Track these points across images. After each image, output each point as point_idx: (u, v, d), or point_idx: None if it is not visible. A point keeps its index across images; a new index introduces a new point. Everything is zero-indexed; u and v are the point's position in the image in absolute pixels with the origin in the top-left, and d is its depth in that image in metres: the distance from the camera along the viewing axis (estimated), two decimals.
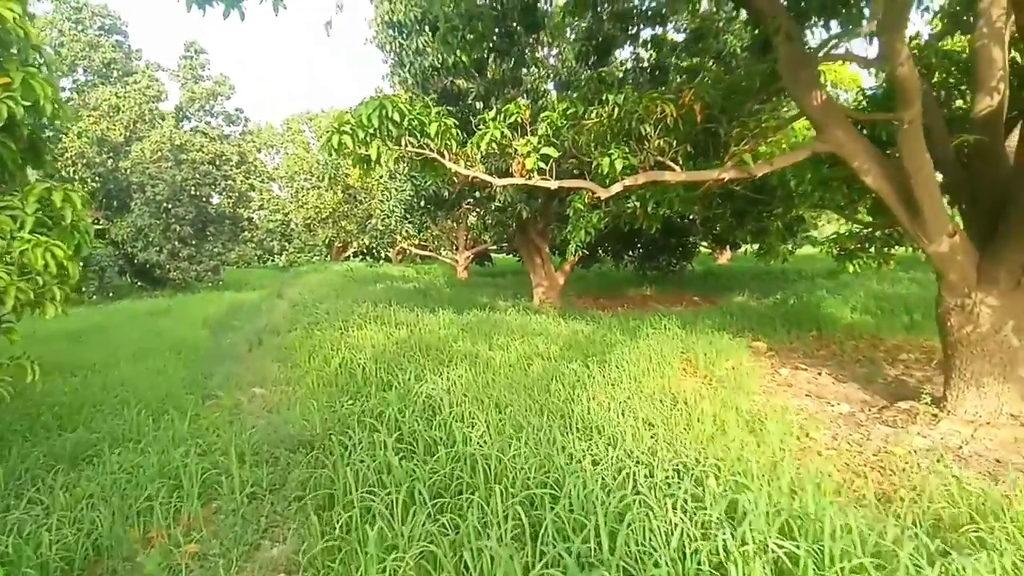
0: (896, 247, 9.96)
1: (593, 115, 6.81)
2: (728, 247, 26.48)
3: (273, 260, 50.91)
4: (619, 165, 6.40)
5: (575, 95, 7.49)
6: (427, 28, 12.70)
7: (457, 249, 30.86)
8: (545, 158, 6.49)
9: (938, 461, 5.46)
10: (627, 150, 6.53)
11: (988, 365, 6.17)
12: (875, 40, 6.00)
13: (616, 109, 6.62)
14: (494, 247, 28.89)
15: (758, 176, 6.46)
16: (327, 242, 46.25)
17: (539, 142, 6.40)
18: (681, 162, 7.01)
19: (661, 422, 6.14)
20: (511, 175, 6.83)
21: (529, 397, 6.77)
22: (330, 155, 6.27)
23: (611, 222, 9.25)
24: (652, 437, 5.59)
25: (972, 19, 6.04)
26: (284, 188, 50.04)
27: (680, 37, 12.79)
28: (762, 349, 10.57)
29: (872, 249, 9.81)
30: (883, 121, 6.38)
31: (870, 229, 9.63)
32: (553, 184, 6.47)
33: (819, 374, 9.02)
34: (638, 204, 8.34)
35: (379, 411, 6.34)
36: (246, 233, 38.18)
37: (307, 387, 8.42)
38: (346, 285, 23.58)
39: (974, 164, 6.27)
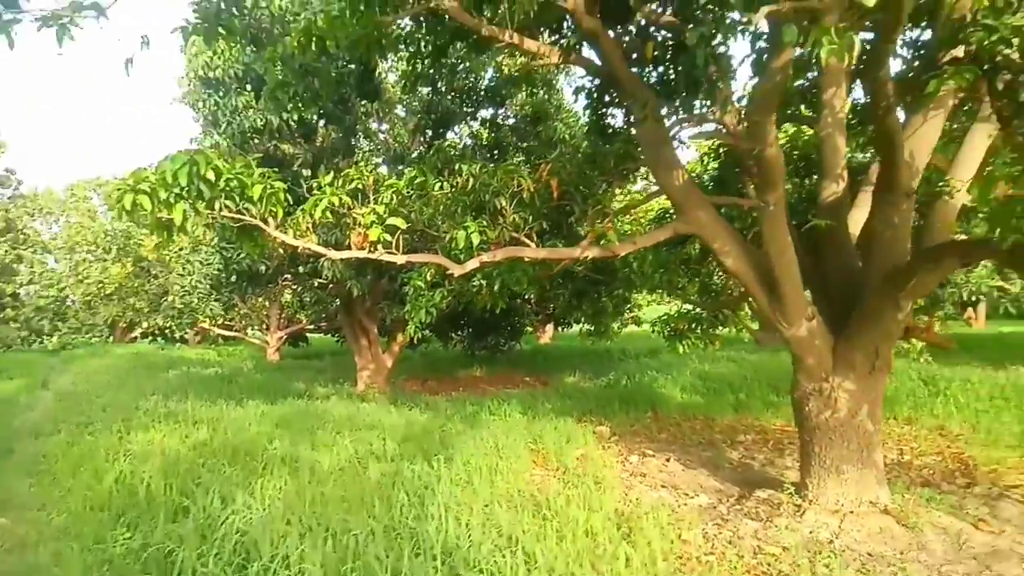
0: (721, 328, 10.20)
1: (445, 185, 6.07)
2: (554, 326, 26.86)
3: (42, 342, 43.76)
4: (476, 239, 5.68)
5: (423, 164, 6.75)
6: (249, 87, 11.48)
7: (268, 329, 28.35)
8: (391, 229, 5.59)
9: (818, 561, 5.13)
10: (484, 224, 5.84)
11: (847, 451, 6.07)
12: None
13: (471, 180, 5.96)
14: (312, 326, 26.90)
15: (620, 255, 6.05)
16: (110, 322, 40.67)
17: (385, 212, 5.50)
18: (536, 238, 6.47)
19: (528, 535, 5.26)
20: (348, 247, 5.82)
21: (370, 515, 5.59)
22: (120, 219, 4.91)
23: (454, 301, 8.47)
24: (527, 568, 4.66)
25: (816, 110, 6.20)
26: (61, 260, 43.80)
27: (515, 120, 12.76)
28: (606, 434, 10.19)
29: (699, 330, 9.92)
30: (731, 204, 6.30)
31: (699, 310, 9.81)
32: (401, 258, 5.57)
33: (667, 460, 8.72)
34: (484, 282, 7.68)
35: (168, 551, 4.82)
36: (8, 311, 32.37)
37: (68, 513, 6.47)
38: (131, 372, 20.37)
39: (822, 248, 6.34)
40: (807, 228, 5.96)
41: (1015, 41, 3.95)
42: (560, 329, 30.65)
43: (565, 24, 7.17)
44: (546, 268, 7.15)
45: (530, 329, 30.07)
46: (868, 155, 8.29)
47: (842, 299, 6.12)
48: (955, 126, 6.32)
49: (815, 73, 7.36)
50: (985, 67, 4.05)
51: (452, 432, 9.38)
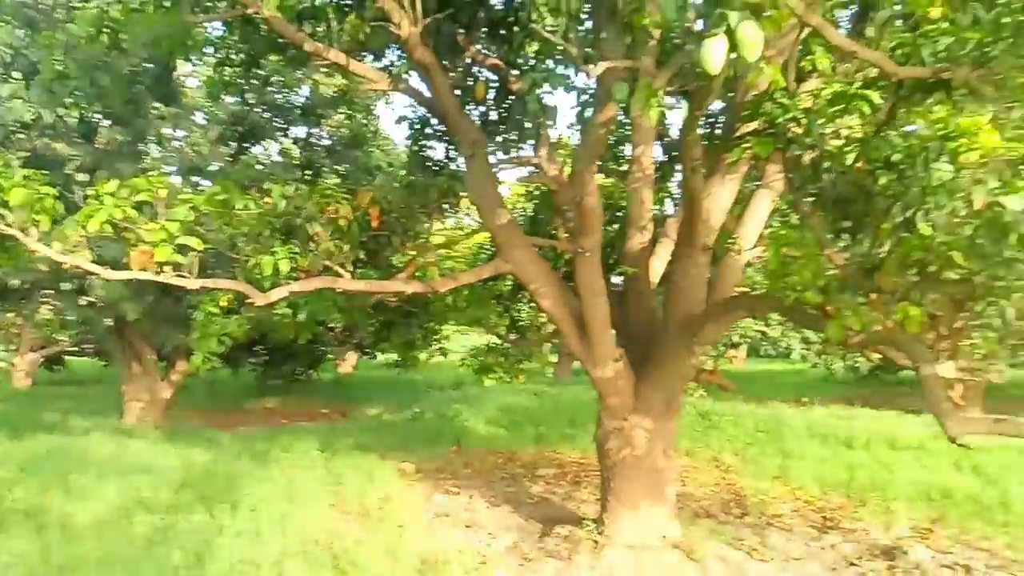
0: (527, 362, 10.46)
1: (251, 205, 5.52)
2: (359, 354, 25.91)
3: None
4: (285, 267, 5.21)
5: (227, 180, 6.11)
6: (17, 74, 9.75)
7: (17, 350, 24.26)
8: (184, 249, 4.94)
9: None
10: (295, 249, 5.38)
11: (643, 488, 6.36)
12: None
13: (283, 202, 5.48)
14: (75, 348, 23.46)
15: (441, 291, 5.90)
16: None
17: (178, 230, 4.85)
18: (351, 268, 6.11)
19: None
20: (128, 266, 5.05)
21: None
22: None
23: (253, 330, 7.73)
24: None
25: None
26: None
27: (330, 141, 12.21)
28: (410, 471, 9.88)
29: (506, 364, 10.07)
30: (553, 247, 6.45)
31: (507, 345, 9.97)
32: (194, 283, 4.93)
33: (471, 497, 8.64)
34: (290, 311, 7.11)
35: None
36: None
37: None
38: None
39: (627, 294, 6.68)
40: (618, 274, 6.24)
41: (803, 120, 4.44)
42: (363, 358, 29.73)
43: (391, 50, 6.98)
44: (358, 298, 6.79)
45: (331, 357, 28.81)
46: (665, 209, 9.00)
47: (643, 342, 6.46)
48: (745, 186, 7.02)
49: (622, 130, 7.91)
50: (780, 141, 4.49)
51: (239, 474, 8.52)
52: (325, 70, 7.37)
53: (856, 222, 4.46)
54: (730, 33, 2.33)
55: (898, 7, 3.37)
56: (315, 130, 12.71)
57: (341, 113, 12.95)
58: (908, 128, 4.99)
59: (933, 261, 3.61)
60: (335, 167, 11.82)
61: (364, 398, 19.04)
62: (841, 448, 9.98)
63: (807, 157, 4.68)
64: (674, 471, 6.73)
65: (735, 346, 22.44)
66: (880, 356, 8.07)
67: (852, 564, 6.01)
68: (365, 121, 13.50)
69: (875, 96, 4.19)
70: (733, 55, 2.39)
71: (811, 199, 4.67)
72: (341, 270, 5.85)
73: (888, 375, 18.02)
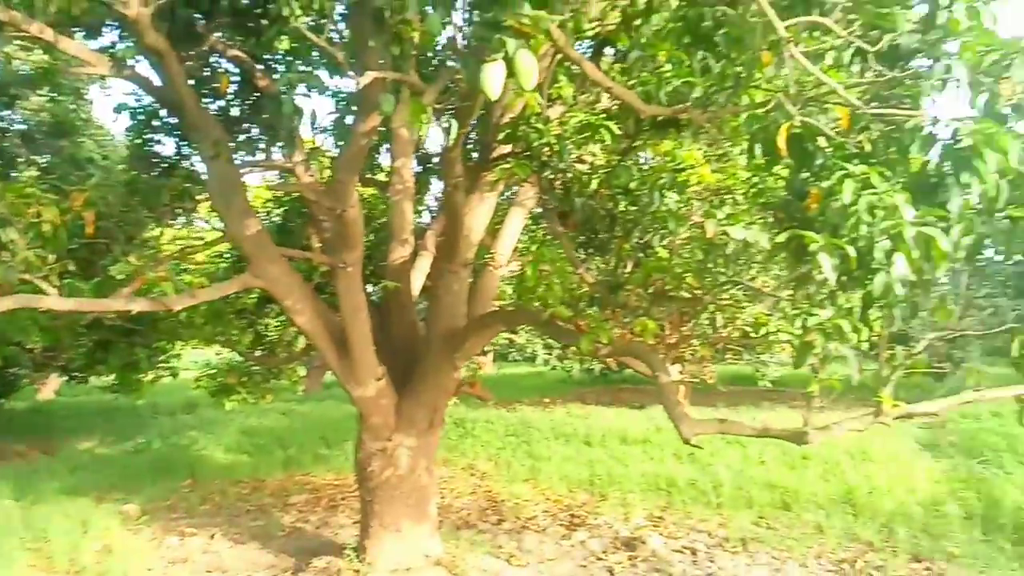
0: (275, 380, 9.80)
1: None
2: (64, 378, 22.06)
3: None
4: None
5: None
6: None
7: None
8: None
9: None
10: None
11: (406, 508, 6.24)
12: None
13: None
14: None
15: (176, 309, 5.19)
16: None
17: None
18: (59, 281, 5.12)
19: None
20: None
21: None
22: None
23: None
24: None
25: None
26: None
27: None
28: (135, 514, 8.61)
29: (251, 384, 9.38)
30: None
31: (252, 363, 9.23)
32: None
33: (212, 537, 7.78)
34: None
35: None
36: None
37: None
38: None
39: (388, 309, 6.52)
40: (377, 288, 6.05)
41: (555, 146, 4.67)
42: (71, 381, 25.49)
43: (110, 28, 6.03)
44: (66, 316, 5.73)
45: (27, 382, 24.27)
46: (423, 220, 9.01)
47: (405, 358, 6.35)
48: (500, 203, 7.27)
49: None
50: (535, 163, 4.68)
51: None
52: (21, 42, 6.11)
53: (602, 243, 4.81)
54: (507, 59, 2.31)
55: (635, 52, 3.68)
56: (6, 112, 10.55)
57: (42, 95, 10.93)
58: (643, 158, 5.55)
59: (669, 281, 4.02)
60: (32, 158, 9.92)
61: (73, 429, 16.28)
62: (582, 446, 10.82)
63: (559, 181, 4.96)
64: (435, 486, 6.71)
65: (484, 353, 23.39)
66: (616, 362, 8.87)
67: (599, 558, 6.50)
68: (74, 106, 11.56)
69: (615, 127, 4.56)
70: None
71: (563, 220, 4.94)
72: (45, 284, 4.86)
73: (614, 375, 20.07)
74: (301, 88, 5.26)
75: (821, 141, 3.36)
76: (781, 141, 2.99)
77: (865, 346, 3.55)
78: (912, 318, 3.54)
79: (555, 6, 2.55)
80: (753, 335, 5.61)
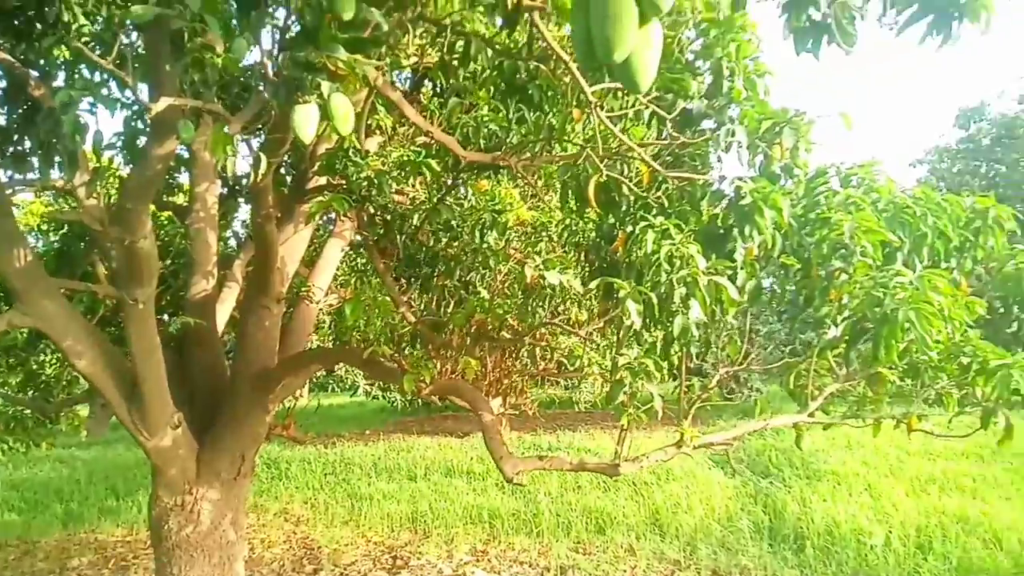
0: (52, 426, 8.63)
1: None
2: None
3: None
4: None
5: None
6: None
7: None
8: None
9: None
10: None
11: (208, 567, 5.67)
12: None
13: None
14: None
15: None
16: None
17: None
18: None
19: None
20: None
21: None
22: None
23: None
24: None
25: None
26: None
27: None
28: None
29: (22, 431, 8.22)
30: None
31: (22, 409, 8.04)
32: None
33: None
34: None
35: None
36: None
37: None
38: None
39: (188, 348, 5.96)
40: (179, 326, 5.51)
41: (375, 180, 4.58)
42: None
43: None
44: None
45: None
46: (232, 249, 8.40)
47: (208, 402, 5.82)
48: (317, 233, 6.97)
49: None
50: (354, 198, 4.54)
51: None
52: None
53: (424, 280, 4.76)
54: (321, 102, 2.21)
55: (457, 98, 3.73)
56: None
57: None
58: (463, 196, 5.61)
59: (490, 321, 4.06)
60: None
61: None
62: (405, 481, 10.60)
63: (379, 216, 4.85)
64: (243, 540, 6.18)
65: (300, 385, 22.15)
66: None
67: None
68: None
69: (435, 165, 4.56)
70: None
71: (384, 255, 4.84)
72: None
73: (436, 406, 20.04)
74: (86, 102, 4.73)
75: (626, 189, 3.60)
76: (590, 192, 3.15)
77: (668, 380, 3.82)
78: (706, 354, 3.87)
79: (371, 49, 2.48)
80: (569, 366, 5.83)
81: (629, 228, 3.52)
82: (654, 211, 3.47)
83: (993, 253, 3.43)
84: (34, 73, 5.26)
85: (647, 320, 3.33)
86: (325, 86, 2.20)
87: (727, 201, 3.30)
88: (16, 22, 5.21)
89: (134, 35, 5.08)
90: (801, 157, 3.19)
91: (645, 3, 1.26)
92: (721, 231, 3.36)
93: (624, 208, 3.71)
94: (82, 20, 4.62)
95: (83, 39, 4.31)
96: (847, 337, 3.11)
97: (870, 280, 2.94)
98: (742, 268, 3.37)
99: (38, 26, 5.05)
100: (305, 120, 2.24)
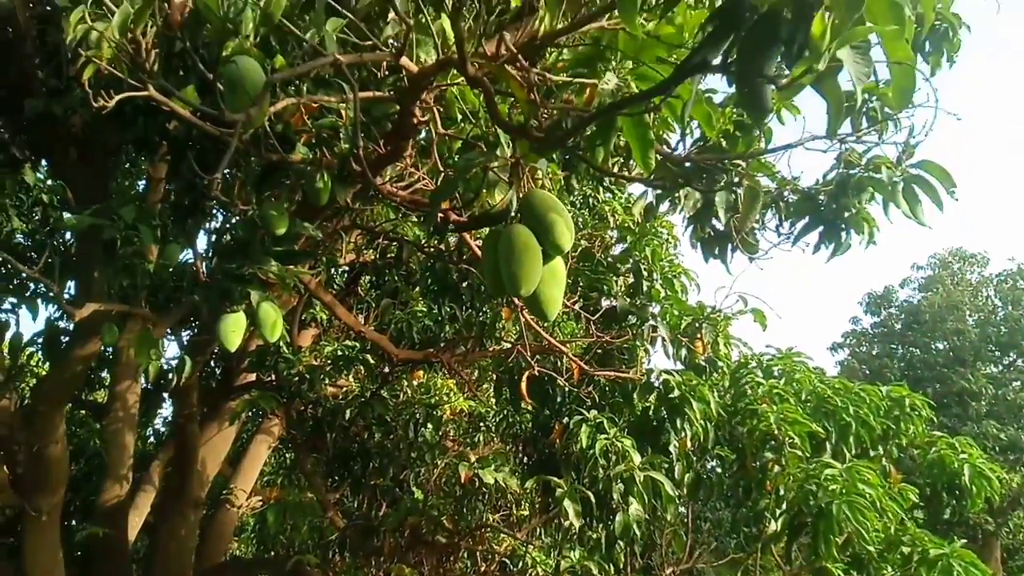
0: None
1: None
2: None
3: None
4: None
5: None
6: None
7: None
8: None
9: None
10: None
11: None
12: None
13: None
14: None
15: None
16: None
17: None
18: None
19: None
20: None
21: None
22: None
23: None
24: None
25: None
26: None
27: None
28: None
29: None
30: None
31: None
32: None
33: None
34: None
35: None
36: None
37: None
38: None
39: (93, 561, 5.39)
40: (87, 536, 5.02)
41: (308, 376, 4.50)
42: None
43: None
44: None
45: None
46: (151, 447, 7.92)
47: None
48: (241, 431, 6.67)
49: None
50: (284, 394, 4.43)
51: None
52: None
53: (356, 481, 4.55)
54: (250, 310, 2.22)
55: (390, 298, 3.84)
56: None
57: None
58: (398, 389, 5.55)
59: (425, 524, 3.85)
60: None
61: None
62: None
63: (309, 412, 4.72)
64: None
65: None
66: None
67: None
68: None
69: (371, 359, 4.55)
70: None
71: (313, 456, 4.64)
72: None
73: None
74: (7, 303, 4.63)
75: (561, 381, 3.64)
76: (523, 388, 3.17)
77: None
78: (652, 552, 3.73)
79: (304, 260, 2.56)
80: (511, 567, 5.49)
81: (565, 420, 3.52)
82: (587, 404, 3.50)
83: (915, 440, 3.55)
84: None
85: (587, 519, 3.24)
86: (255, 295, 2.22)
87: (657, 394, 3.36)
88: None
89: (67, 235, 5.14)
90: (721, 350, 3.33)
91: (548, 244, 1.36)
92: (654, 424, 3.39)
93: (559, 400, 3.73)
94: (16, 223, 4.66)
95: (13, 242, 4.32)
96: (787, 532, 3.06)
97: (802, 472, 2.96)
98: (678, 460, 3.37)
99: None
100: (231, 330, 2.23)
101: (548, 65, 2.21)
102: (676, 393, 3.20)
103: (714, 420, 3.33)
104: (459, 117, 2.41)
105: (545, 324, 3.12)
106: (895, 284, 26.34)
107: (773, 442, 3.10)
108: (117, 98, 2.12)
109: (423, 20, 1.90)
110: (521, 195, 1.57)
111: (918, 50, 3.40)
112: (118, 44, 2.10)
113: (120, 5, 2.09)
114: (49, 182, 5.29)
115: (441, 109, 2.31)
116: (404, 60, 1.79)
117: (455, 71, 1.86)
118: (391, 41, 2.14)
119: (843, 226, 2.60)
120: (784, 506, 3.02)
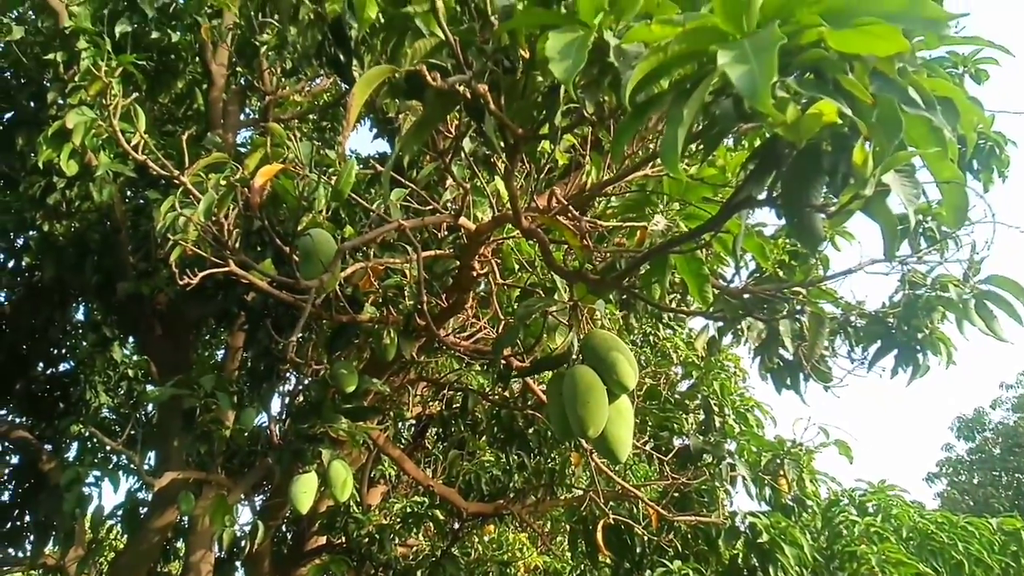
0: None
1: None
2: None
3: None
4: None
5: None
6: None
7: None
8: None
9: None
10: None
11: None
12: None
13: None
14: None
15: None
16: None
17: None
18: None
19: None
20: None
21: None
22: None
23: None
24: None
25: None
26: None
27: None
28: None
29: None
30: None
31: None
32: None
33: None
34: None
35: None
36: None
37: None
38: None
39: None
40: None
41: (377, 536, 4.39)
42: None
43: None
44: None
45: None
46: None
47: None
48: None
49: None
50: (354, 557, 4.31)
51: None
52: None
53: None
54: (321, 470, 2.24)
55: (457, 449, 3.81)
56: None
57: None
58: (469, 546, 5.34)
59: None
60: None
61: None
62: None
63: (381, 575, 4.56)
64: None
65: None
66: None
67: None
68: None
69: (440, 515, 4.44)
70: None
71: None
72: None
73: None
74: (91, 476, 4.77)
75: (639, 529, 3.44)
76: (599, 538, 3.01)
77: None
78: None
79: (372, 416, 2.60)
80: None
81: (647, 573, 3.29)
82: (670, 554, 3.28)
83: None
84: (48, 447, 5.43)
85: None
86: (326, 454, 2.25)
87: (744, 539, 3.14)
88: (39, 403, 5.53)
89: (149, 407, 5.36)
90: (808, 487, 3.13)
91: (612, 382, 1.36)
92: (745, 572, 3.14)
93: (639, 551, 3.51)
94: (103, 398, 4.89)
95: (100, 416, 4.54)
96: None
97: None
98: None
99: (60, 405, 5.35)
100: (302, 491, 2.24)
101: (598, 213, 2.31)
102: (765, 537, 2.98)
103: (810, 566, 3.05)
104: (516, 267, 2.51)
105: (616, 467, 3.02)
106: (985, 406, 24.56)
107: None
108: (201, 275, 2.30)
109: (478, 183, 2.05)
110: (581, 336, 1.60)
111: (966, 168, 3.43)
112: (202, 227, 2.32)
113: (205, 193, 2.34)
114: (135, 357, 5.64)
115: (499, 261, 2.42)
116: (462, 220, 1.92)
117: (510, 225, 1.97)
118: (449, 204, 2.30)
119: (918, 348, 2.51)
120: None
